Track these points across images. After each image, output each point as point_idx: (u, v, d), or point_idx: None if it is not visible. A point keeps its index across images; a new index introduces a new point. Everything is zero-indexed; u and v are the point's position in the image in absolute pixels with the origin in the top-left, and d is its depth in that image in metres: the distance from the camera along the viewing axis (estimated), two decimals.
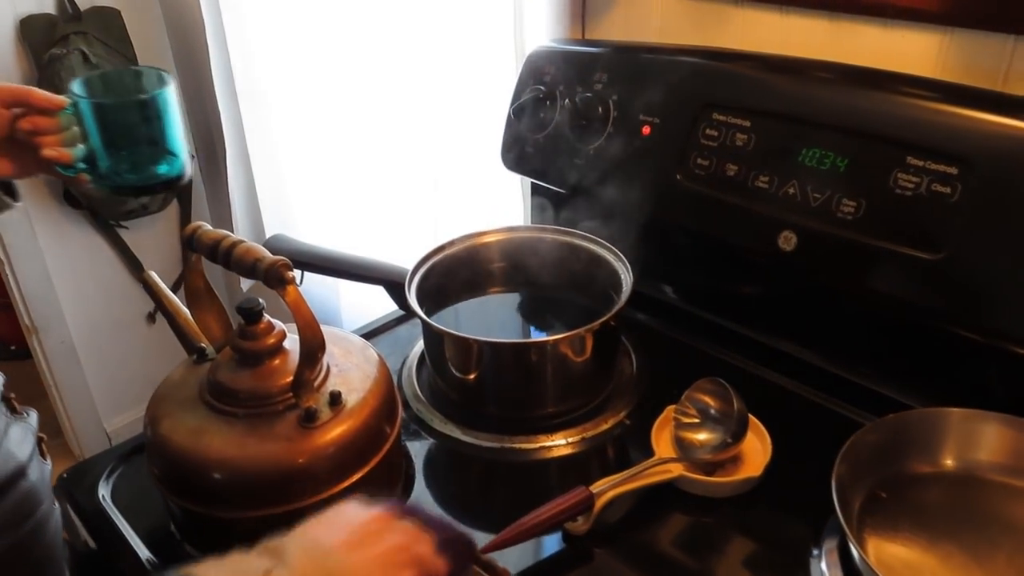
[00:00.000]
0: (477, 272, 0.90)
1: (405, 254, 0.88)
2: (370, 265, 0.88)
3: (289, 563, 0.41)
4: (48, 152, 0.68)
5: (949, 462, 0.66)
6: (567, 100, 0.93)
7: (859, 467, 0.63)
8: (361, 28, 1.16)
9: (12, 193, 0.75)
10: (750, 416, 0.72)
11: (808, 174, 0.75)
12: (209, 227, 0.67)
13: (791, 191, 0.76)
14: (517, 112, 0.99)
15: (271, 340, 0.65)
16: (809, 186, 0.75)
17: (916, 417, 0.67)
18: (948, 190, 0.67)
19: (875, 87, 0.75)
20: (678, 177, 0.85)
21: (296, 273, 0.90)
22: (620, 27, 1.07)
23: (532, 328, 0.87)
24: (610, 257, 0.87)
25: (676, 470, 0.70)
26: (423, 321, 0.77)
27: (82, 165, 0.71)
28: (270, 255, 0.61)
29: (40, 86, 1.02)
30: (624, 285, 0.82)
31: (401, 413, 0.74)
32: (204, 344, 0.71)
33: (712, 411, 0.74)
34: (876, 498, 0.64)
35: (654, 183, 0.87)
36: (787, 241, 0.77)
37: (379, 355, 0.72)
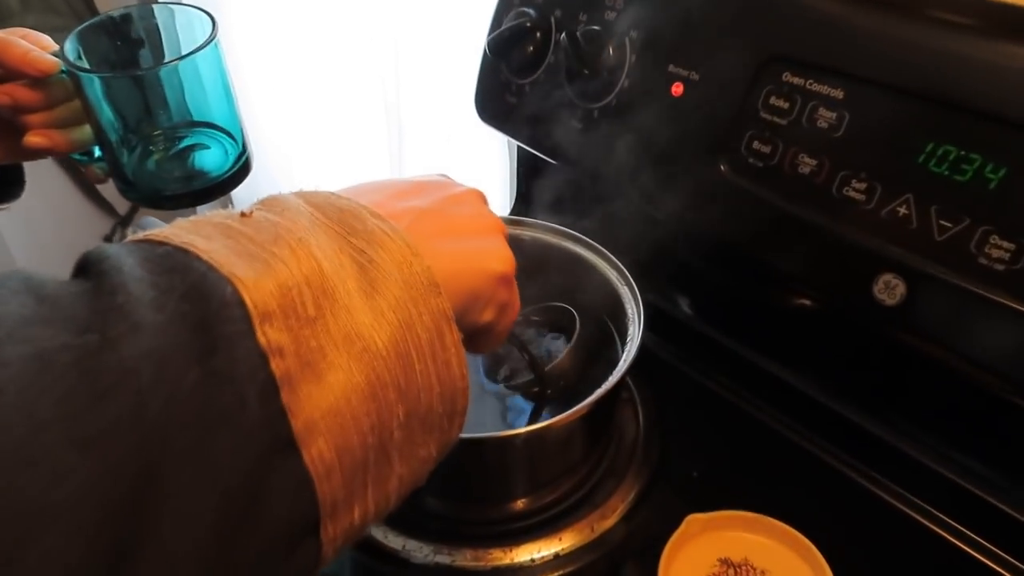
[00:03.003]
0: None
1: None
2: None
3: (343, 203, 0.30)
4: (34, 139, 0.48)
5: None
6: (564, 34, 0.63)
7: None
8: None
9: (15, 181, 0.54)
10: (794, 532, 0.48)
11: (935, 187, 0.47)
12: None
13: (903, 212, 0.48)
14: (495, 46, 0.69)
15: None
16: (935, 206, 0.47)
17: None
18: None
19: None
20: (722, 168, 0.56)
21: None
22: None
23: (491, 377, 0.61)
24: (613, 276, 0.60)
25: None
26: None
27: (97, 154, 0.50)
28: None
29: None
30: (631, 327, 0.56)
31: None
32: None
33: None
34: None
35: (685, 172, 0.59)
36: (888, 290, 0.49)
37: None
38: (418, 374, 0.28)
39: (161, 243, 0.25)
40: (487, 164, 0.88)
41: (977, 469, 0.54)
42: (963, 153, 0.46)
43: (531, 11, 0.68)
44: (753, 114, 0.55)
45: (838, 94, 0.51)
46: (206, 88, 0.48)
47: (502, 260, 0.35)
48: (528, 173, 0.81)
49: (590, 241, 0.62)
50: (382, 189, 0.35)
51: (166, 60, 0.47)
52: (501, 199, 0.85)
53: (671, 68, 0.59)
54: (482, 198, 0.38)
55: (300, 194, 0.30)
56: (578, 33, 0.63)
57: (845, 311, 0.52)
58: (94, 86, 0.45)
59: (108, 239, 1.67)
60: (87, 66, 0.47)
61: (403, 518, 0.55)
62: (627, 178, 0.63)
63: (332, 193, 0.31)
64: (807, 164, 0.52)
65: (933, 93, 0.47)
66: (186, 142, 0.50)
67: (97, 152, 0.52)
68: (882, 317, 0.49)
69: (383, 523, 0.55)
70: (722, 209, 0.57)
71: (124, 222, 1.69)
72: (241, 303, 0.24)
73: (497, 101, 0.72)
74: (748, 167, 0.55)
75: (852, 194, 0.50)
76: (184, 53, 0.46)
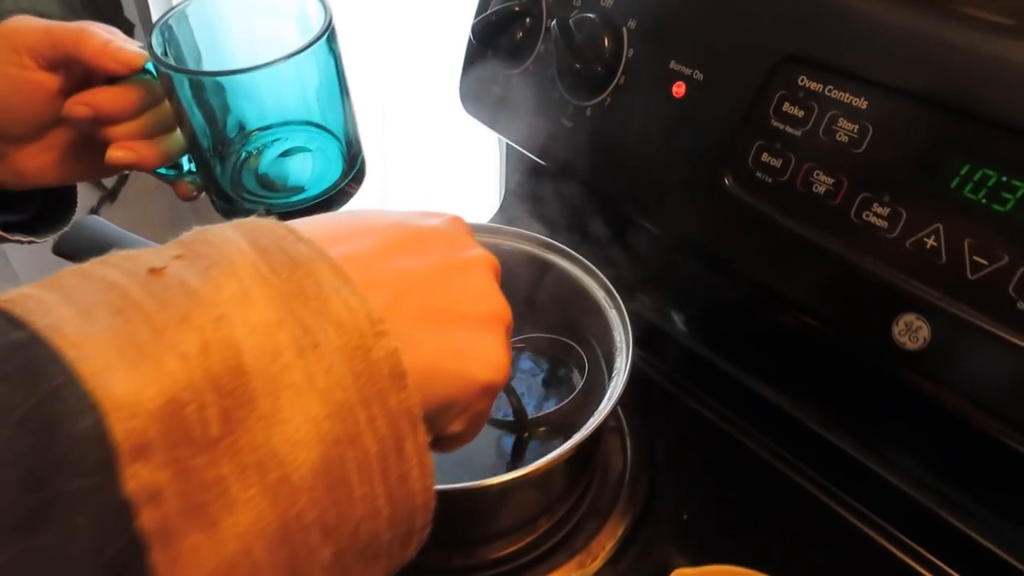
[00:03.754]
0: None
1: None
2: None
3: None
4: (118, 153, 0.40)
5: None
6: (555, 21, 0.56)
7: None
8: None
9: (65, 201, 0.48)
10: None
11: (970, 217, 0.41)
12: None
13: (931, 244, 0.42)
14: (479, 31, 0.62)
15: None
16: (969, 240, 0.41)
17: None
18: None
19: None
20: (726, 181, 0.50)
21: None
22: None
23: None
24: (601, 296, 0.54)
25: None
26: None
27: (186, 167, 0.44)
28: None
29: None
30: (619, 358, 0.50)
31: None
32: None
33: None
34: None
35: (685, 183, 0.52)
36: (910, 332, 0.43)
37: None
38: (358, 501, 0.21)
39: (20, 322, 0.18)
40: (476, 159, 0.81)
41: (998, 526, 0.48)
42: (1004, 179, 0.39)
43: None
44: (763, 122, 0.48)
45: (861, 103, 0.44)
46: (319, 86, 0.41)
47: (495, 368, 0.28)
48: (517, 172, 0.75)
49: (578, 256, 0.56)
50: (368, 233, 0.27)
51: (281, 56, 0.38)
52: (487, 198, 0.79)
53: (673, 65, 0.52)
54: (494, 268, 0.31)
55: (245, 228, 0.23)
56: (570, 21, 0.56)
57: (859, 351, 0.46)
58: (186, 87, 0.38)
59: (95, 211, 1.61)
60: (180, 63, 0.40)
61: None
62: (620, 186, 0.56)
63: (291, 230, 0.23)
64: (822, 182, 0.46)
65: (972, 107, 0.40)
66: (286, 145, 0.43)
67: (186, 165, 0.45)
68: (901, 361, 0.43)
69: None
70: (724, 226, 0.51)
71: (111, 195, 1.63)
72: (102, 439, 0.17)
73: (482, 92, 0.66)
74: (755, 182, 0.49)
75: (873, 220, 0.44)
76: (298, 48, 0.38)
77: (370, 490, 0.22)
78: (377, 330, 0.22)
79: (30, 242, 0.46)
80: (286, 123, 0.43)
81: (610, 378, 0.50)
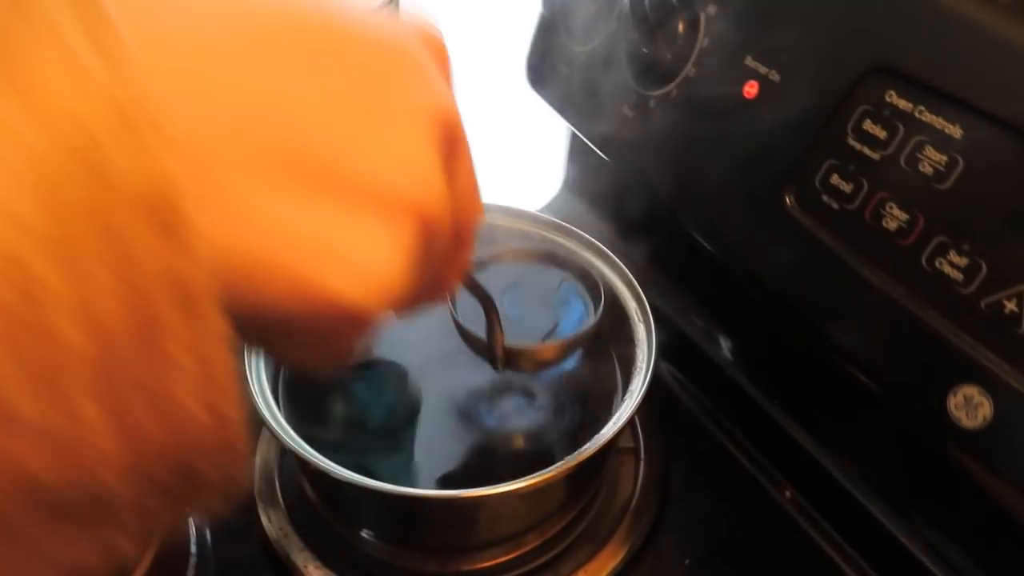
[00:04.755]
0: None
1: None
2: None
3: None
4: None
5: None
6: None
7: None
8: None
9: None
10: None
11: None
12: None
13: (1010, 308, 0.35)
14: (550, 1, 0.58)
15: None
16: None
17: None
18: None
19: None
20: (787, 200, 0.44)
21: None
22: None
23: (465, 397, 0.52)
24: (632, 307, 0.49)
25: None
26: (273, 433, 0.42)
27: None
28: None
29: None
30: (639, 353, 0.46)
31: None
32: None
33: None
34: None
35: (741, 195, 0.47)
36: (968, 407, 0.36)
37: None
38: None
39: None
40: (543, 138, 0.77)
41: None
42: None
43: None
44: (839, 139, 0.42)
45: (955, 131, 0.37)
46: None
47: (374, 286, 0.18)
48: (579, 157, 0.70)
49: (614, 258, 0.51)
50: (249, 17, 0.17)
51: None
52: (550, 180, 0.74)
53: (748, 61, 0.46)
54: (446, 127, 0.20)
55: None
56: (646, 1, 0.50)
57: (907, 417, 0.40)
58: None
59: None
60: None
61: (349, 560, 0.47)
62: (672, 188, 0.51)
63: None
64: (895, 217, 0.39)
65: None
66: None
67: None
68: (953, 439, 0.37)
69: (332, 562, 0.47)
70: (777, 251, 0.45)
71: None
72: None
73: (549, 67, 0.61)
74: (819, 205, 0.43)
75: (946, 269, 0.37)
76: None
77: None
78: (134, 122, 0.13)
79: None
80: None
81: (622, 399, 0.45)
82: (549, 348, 0.46)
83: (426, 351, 0.53)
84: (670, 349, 0.61)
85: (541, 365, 0.47)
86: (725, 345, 0.58)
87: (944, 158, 0.38)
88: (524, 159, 0.81)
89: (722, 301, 0.58)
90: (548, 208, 0.73)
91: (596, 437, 0.41)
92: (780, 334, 0.51)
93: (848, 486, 0.48)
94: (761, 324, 0.54)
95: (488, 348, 0.43)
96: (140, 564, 0.40)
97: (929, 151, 0.38)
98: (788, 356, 0.52)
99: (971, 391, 0.36)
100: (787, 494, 0.52)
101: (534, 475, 0.39)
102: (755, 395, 0.55)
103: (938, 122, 0.38)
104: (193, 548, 0.48)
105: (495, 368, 0.44)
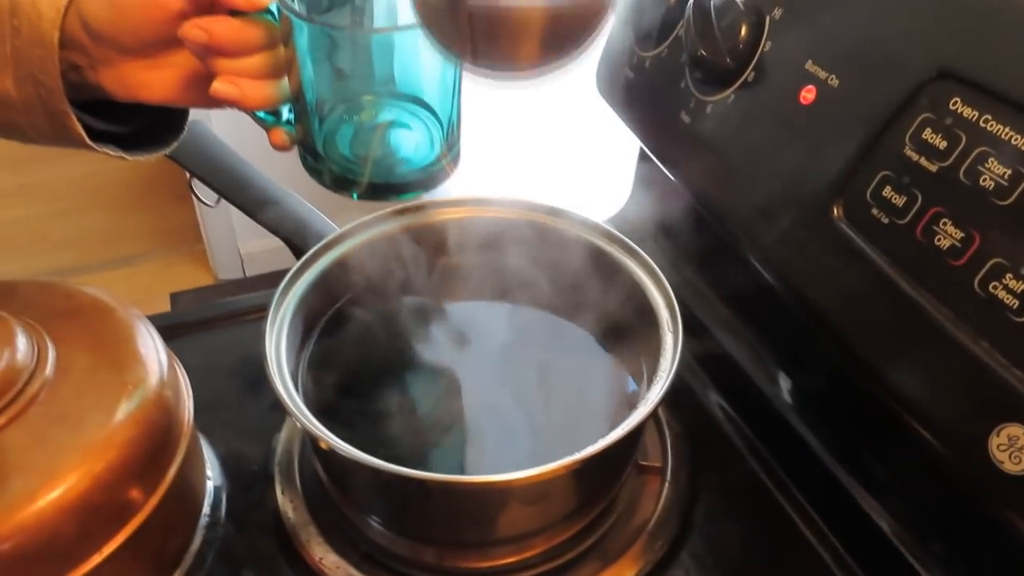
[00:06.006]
0: (419, 267, 0.53)
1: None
2: (284, 208, 0.56)
3: None
4: (221, 87, 0.40)
5: None
6: (693, 1, 0.49)
7: None
8: None
9: (176, 127, 0.48)
10: None
11: None
12: None
13: None
14: (621, 5, 0.57)
15: None
16: None
17: None
18: None
19: None
20: (835, 211, 0.41)
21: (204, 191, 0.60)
22: None
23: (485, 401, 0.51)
24: (664, 316, 0.47)
25: None
26: (295, 418, 0.42)
27: (285, 116, 0.43)
28: None
29: None
30: (657, 383, 0.43)
31: (205, 477, 0.45)
32: None
33: None
34: None
35: (790, 208, 0.44)
36: (1013, 450, 0.32)
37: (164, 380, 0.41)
38: None
39: None
40: (616, 147, 0.75)
41: None
42: None
43: None
44: (896, 148, 0.38)
45: (1022, 142, 0.34)
46: (438, 64, 0.39)
47: None
48: (646, 166, 0.68)
49: (652, 264, 0.49)
50: None
51: (408, 24, 0.36)
52: (621, 190, 0.73)
53: (808, 66, 0.43)
54: None
55: None
56: (712, 3, 0.49)
57: (946, 456, 0.36)
58: (304, 36, 0.38)
59: None
60: (302, 11, 0.39)
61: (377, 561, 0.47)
62: (724, 198, 0.49)
63: None
64: (949, 235, 0.36)
65: None
66: (385, 116, 0.42)
67: (286, 114, 0.43)
68: (993, 483, 0.33)
69: (316, 530, 0.47)
70: (822, 266, 0.42)
71: None
72: None
73: (615, 74, 0.60)
74: (869, 219, 0.39)
75: (1001, 295, 0.33)
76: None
77: None
78: None
79: (119, 157, 0.45)
80: (394, 95, 0.41)
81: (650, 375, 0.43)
82: None
83: (453, 348, 0.53)
84: (723, 381, 0.58)
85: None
86: (783, 385, 0.54)
87: (1008, 171, 0.34)
88: (599, 170, 0.79)
89: (780, 334, 0.55)
90: (613, 219, 0.71)
91: (600, 440, 0.39)
92: (825, 360, 0.47)
93: (887, 529, 0.44)
94: (810, 353, 0.50)
95: None
96: (142, 510, 0.41)
97: (992, 163, 0.35)
98: (834, 386, 0.48)
99: (1017, 431, 0.32)
100: (819, 533, 0.47)
101: (530, 469, 0.38)
102: (804, 435, 0.51)
103: (1005, 132, 0.34)
104: (207, 508, 0.49)
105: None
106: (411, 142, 0.42)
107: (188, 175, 0.57)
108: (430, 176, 0.42)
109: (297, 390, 0.44)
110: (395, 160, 0.43)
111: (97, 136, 0.43)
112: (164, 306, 1.71)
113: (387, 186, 0.42)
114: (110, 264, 1.99)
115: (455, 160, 0.43)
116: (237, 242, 1.90)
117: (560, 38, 0.33)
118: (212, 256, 1.92)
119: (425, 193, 0.44)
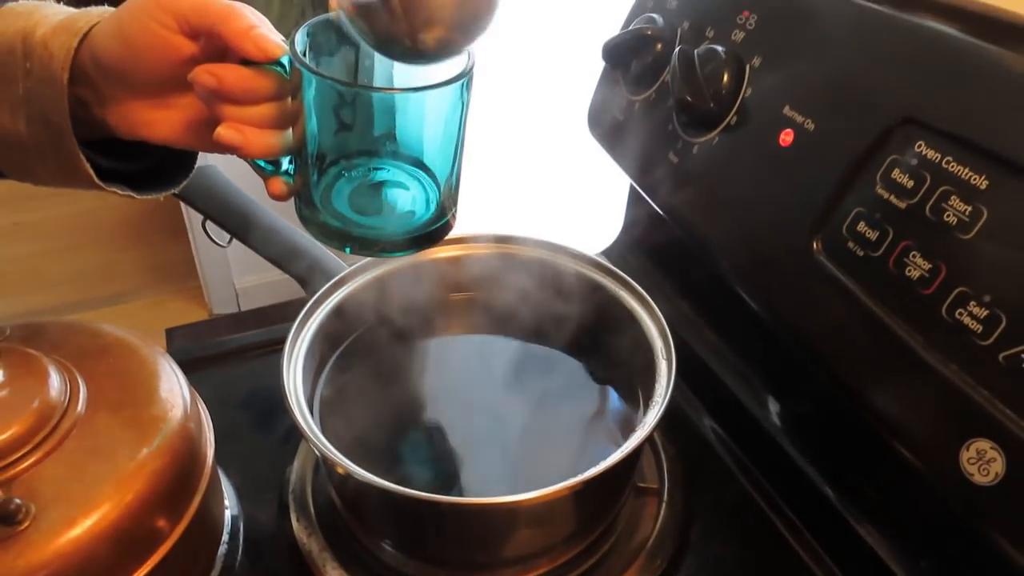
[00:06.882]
0: (422, 301, 0.56)
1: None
2: (295, 247, 0.59)
3: None
4: (226, 133, 0.40)
5: None
6: (678, 50, 0.53)
7: None
8: None
9: (182, 166, 0.48)
10: None
11: None
12: None
13: None
14: (608, 51, 0.61)
15: None
16: None
17: None
18: None
19: None
20: (815, 245, 0.44)
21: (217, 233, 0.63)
22: None
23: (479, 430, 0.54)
24: (658, 346, 0.50)
25: None
26: (312, 443, 0.44)
27: (284, 166, 0.43)
28: None
29: None
30: (652, 407, 0.46)
31: (223, 506, 0.47)
32: None
33: None
34: None
35: (773, 244, 0.47)
36: (981, 462, 0.35)
37: (186, 414, 0.44)
38: None
39: None
40: (607, 184, 0.79)
41: None
42: None
43: (658, 18, 0.58)
44: (868, 187, 0.42)
45: (981, 182, 0.37)
46: (441, 128, 0.40)
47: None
48: (637, 203, 0.72)
49: (645, 296, 0.52)
50: None
51: (414, 86, 0.38)
52: (611, 225, 0.76)
53: (786, 110, 0.47)
54: None
55: None
56: (696, 52, 0.52)
57: (916, 469, 0.39)
58: (312, 89, 0.38)
59: None
60: (313, 65, 0.39)
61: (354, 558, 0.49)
62: (711, 234, 0.52)
63: None
64: (918, 267, 0.39)
65: None
66: (383, 175, 0.42)
67: (285, 164, 0.43)
68: (964, 495, 0.36)
69: (331, 555, 0.50)
70: (804, 298, 0.45)
71: None
72: None
73: (605, 116, 0.64)
74: (845, 252, 0.43)
75: (966, 320, 0.37)
76: (435, 82, 0.37)
77: None
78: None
79: (128, 196, 0.45)
80: (395, 154, 0.42)
81: (646, 401, 0.46)
82: None
83: (460, 371, 0.55)
84: (715, 406, 0.61)
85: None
86: (772, 408, 0.57)
87: (968, 208, 0.37)
88: (592, 206, 0.83)
89: (768, 360, 0.58)
90: (605, 252, 0.74)
91: (602, 462, 0.42)
92: (817, 391, 0.50)
93: (884, 557, 0.47)
94: (797, 378, 0.53)
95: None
96: (169, 538, 0.43)
97: (954, 201, 0.38)
98: (830, 420, 0.51)
99: (984, 445, 0.35)
100: (814, 555, 0.50)
101: (537, 490, 0.40)
102: (793, 455, 0.54)
103: (964, 172, 0.38)
104: (226, 536, 0.51)
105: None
106: (407, 201, 0.43)
107: (203, 217, 0.60)
108: (423, 236, 0.43)
109: (313, 419, 0.47)
110: (390, 218, 0.43)
111: (106, 175, 0.44)
112: (159, 342, 1.73)
113: (380, 243, 0.42)
114: (105, 301, 2.01)
115: (450, 222, 0.43)
116: (233, 277, 1.92)
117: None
118: (208, 291, 1.94)
119: (416, 252, 0.44)
